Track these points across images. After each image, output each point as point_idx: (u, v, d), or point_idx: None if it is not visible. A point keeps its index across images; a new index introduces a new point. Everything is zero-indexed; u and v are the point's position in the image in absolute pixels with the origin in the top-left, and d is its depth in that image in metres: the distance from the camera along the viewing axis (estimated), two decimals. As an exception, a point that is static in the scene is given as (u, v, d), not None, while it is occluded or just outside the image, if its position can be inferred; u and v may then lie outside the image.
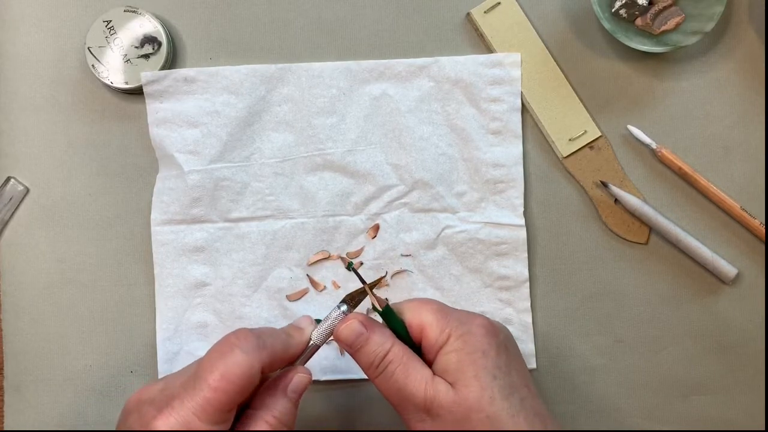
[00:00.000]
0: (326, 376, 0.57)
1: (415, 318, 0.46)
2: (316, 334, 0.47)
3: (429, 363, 0.46)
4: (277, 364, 0.45)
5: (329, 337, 0.47)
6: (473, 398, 0.43)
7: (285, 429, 0.44)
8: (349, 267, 0.57)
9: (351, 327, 0.46)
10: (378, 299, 0.47)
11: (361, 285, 0.48)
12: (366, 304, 0.56)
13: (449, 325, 0.45)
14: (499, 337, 0.46)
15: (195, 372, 0.43)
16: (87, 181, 0.58)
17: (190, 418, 0.41)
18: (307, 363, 0.48)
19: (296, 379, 0.46)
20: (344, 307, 0.47)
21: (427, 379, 0.44)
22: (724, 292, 0.58)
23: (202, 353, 0.56)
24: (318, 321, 0.48)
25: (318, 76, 0.57)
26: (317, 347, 0.48)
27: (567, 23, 0.59)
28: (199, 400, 0.41)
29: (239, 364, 0.42)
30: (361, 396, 0.57)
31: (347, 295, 0.48)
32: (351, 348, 0.46)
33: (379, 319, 0.48)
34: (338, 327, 0.46)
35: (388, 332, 0.46)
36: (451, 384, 0.44)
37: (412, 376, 0.44)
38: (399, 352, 0.45)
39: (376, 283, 0.48)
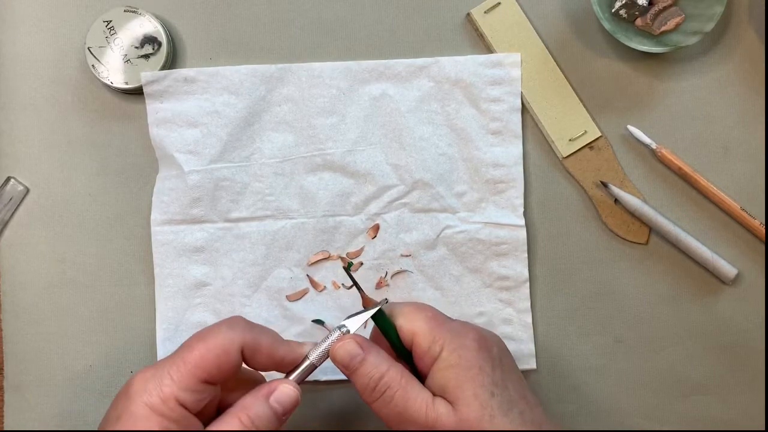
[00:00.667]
0: (326, 376, 0.57)
1: (407, 324, 0.46)
2: (313, 353, 0.46)
3: (422, 372, 0.46)
4: (261, 356, 0.45)
5: (326, 357, 0.47)
6: (474, 418, 0.43)
7: (256, 431, 0.44)
8: (348, 267, 0.57)
9: (346, 347, 0.45)
10: (369, 301, 0.46)
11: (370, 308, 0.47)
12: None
13: (442, 336, 0.45)
14: (493, 350, 0.46)
15: (182, 343, 0.45)
16: (87, 181, 0.58)
17: (164, 376, 0.43)
18: (312, 371, 0.47)
19: (281, 389, 0.45)
20: (345, 328, 0.46)
21: (427, 403, 0.44)
22: (724, 292, 0.58)
23: (201, 353, 0.56)
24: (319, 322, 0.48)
25: (318, 76, 0.57)
26: (314, 366, 0.47)
27: (567, 23, 0.59)
28: (176, 360, 0.43)
29: (221, 335, 0.44)
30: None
31: (349, 316, 0.47)
32: (347, 369, 0.45)
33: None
34: (334, 346, 0.46)
35: (384, 354, 0.46)
36: (450, 403, 0.44)
37: (412, 400, 0.44)
38: (396, 375, 0.45)
39: (381, 304, 0.47)
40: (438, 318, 0.46)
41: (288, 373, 0.47)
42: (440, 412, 0.44)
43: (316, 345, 0.47)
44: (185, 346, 0.44)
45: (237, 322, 0.45)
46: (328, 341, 0.46)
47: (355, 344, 0.45)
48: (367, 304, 0.46)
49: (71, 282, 0.57)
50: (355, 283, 0.47)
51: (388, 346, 0.47)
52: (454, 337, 0.45)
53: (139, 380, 0.43)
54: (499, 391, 0.44)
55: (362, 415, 0.57)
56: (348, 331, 0.46)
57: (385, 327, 0.46)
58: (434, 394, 0.45)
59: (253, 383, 0.47)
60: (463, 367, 0.44)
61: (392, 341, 0.46)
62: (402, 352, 0.47)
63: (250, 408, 0.44)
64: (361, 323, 0.47)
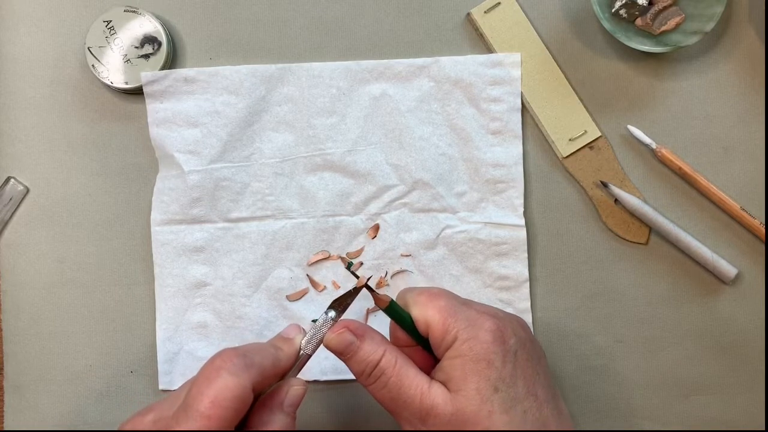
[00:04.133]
0: (326, 377, 0.57)
1: (420, 314, 0.45)
2: (305, 344, 0.46)
3: (438, 358, 0.46)
4: (268, 381, 0.44)
5: (320, 345, 0.47)
6: (471, 411, 0.43)
7: None
8: (349, 267, 0.57)
9: (340, 337, 0.45)
10: (380, 297, 0.46)
11: (372, 311, 0.47)
12: (368, 303, 0.56)
13: (456, 325, 0.44)
14: (508, 343, 0.45)
15: (185, 402, 0.41)
16: (87, 181, 0.58)
17: None
18: (307, 361, 0.47)
19: (291, 392, 0.45)
20: (332, 313, 0.46)
21: (422, 388, 0.44)
22: (724, 292, 0.58)
23: (202, 353, 0.56)
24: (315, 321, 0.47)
25: (318, 76, 0.57)
26: (308, 357, 0.47)
27: (567, 23, 0.59)
28: (192, 427, 0.40)
29: (229, 388, 0.41)
30: (361, 396, 0.57)
31: (334, 300, 0.47)
32: (342, 356, 0.45)
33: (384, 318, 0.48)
34: (327, 335, 0.45)
35: (379, 338, 0.46)
36: (452, 392, 0.43)
37: (406, 386, 0.44)
38: (391, 360, 0.44)
39: (377, 288, 0.47)
40: (452, 307, 0.45)
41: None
42: (436, 401, 0.43)
43: (306, 335, 0.47)
44: (193, 410, 0.40)
45: (233, 362, 0.42)
46: (319, 329, 0.46)
47: (348, 333, 0.45)
48: (378, 301, 0.46)
49: (71, 282, 0.57)
50: (354, 275, 0.47)
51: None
52: (468, 326, 0.44)
53: None
54: (505, 387, 0.43)
55: (363, 415, 0.57)
56: (335, 316, 0.46)
57: (398, 318, 0.46)
58: (439, 381, 0.44)
59: None
60: (472, 359, 0.43)
61: (409, 330, 0.46)
62: (419, 339, 0.46)
63: (272, 424, 0.43)
64: (347, 306, 0.47)
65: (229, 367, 0.41)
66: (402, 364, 0.45)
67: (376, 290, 0.47)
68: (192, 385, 0.42)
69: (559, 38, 0.59)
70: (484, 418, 0.43)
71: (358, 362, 0.45)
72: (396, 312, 0.46)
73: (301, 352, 0.46)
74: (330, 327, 0.46)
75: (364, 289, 0.47)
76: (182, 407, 0.41)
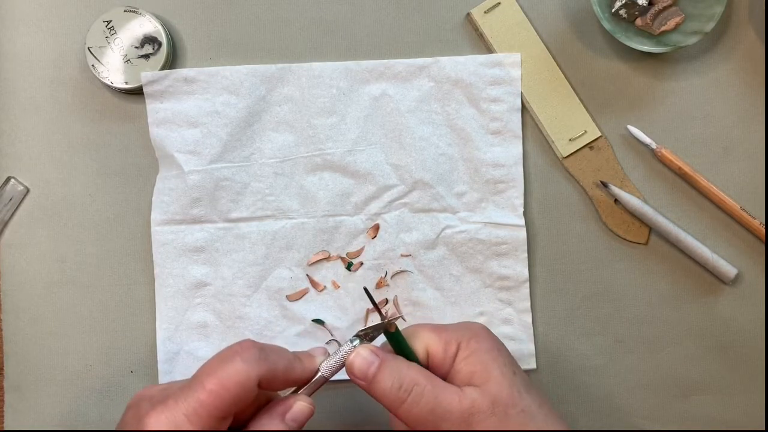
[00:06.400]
0: (326, 376, 0.57)
1: (417, 341, 0.46)
2: (324, 365, 0.46)
3: (444, 377, 0.45)
4: (278, 382, 0.45)
5: (339, 370, 0.46)
6: (506, 394, 0.43)
7: None
8: (349, 267, 0.57)
9: (362, 355, 0.45)
10: (389, 322, 0.45)
11: (372, 312, 0.46)
12: (368, 303, 0.56)
13: (453, 335, 0.46)
14: (498, 338, 0.47)
15: (195, 375, 0.43)
16: (87, 181, 0.58)
17: (180, 418, 0.41)
18: (323, 383, 0.47)
19: (296, 406, 0.45)
20: (357, 342, 0.46)
21: (458, 393, 0.43)
22: (724, 292, 0.58)
23: (202, 353, 0.56)
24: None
25: (318, 76, 0.57)
26: (325, 379, 0.46)
27: (567, 23, 0.59)
28: (192, 402, 0.41)
29: (237, 372, 0.42)
30: (361, 396, 0.57)
31: (361, 331, 0.46)
32: (365, 380, 0.45)
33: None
34: (348, 359, 0.45)
35: (401, 357, 0.45)
36: (479, 386, 0.44)
37: (442, 394, 0.43)
38: (420, 373, 0.44)
39: (395, 319, 0.46)
40: (440, 326, 0.47)
41: (299, 386, 0.46)
42: (474, 397, 0.43)
43: (327, 358, 0.46)
44: (199, 384, 0.42)
45: (250, 352, 0.43)
46: (340, 354, 0.46)
47: (369, 351, 0.45)
48: (389, 326, 0.45)
49: (71, 282, 0.57)
50: (374, 303, 0.46)
51: None
52: (464, 331, 0.46)
53: (153, 419, 0.41)
54: (518, 371, 0.46)
55: (363, 415, 0.57)
56: (358, 345, 0.46)
57: (403, 347, 0.46)
58: (461, 383, 0.45)
59: (264, 396, 0.46)
60: (485, 351, 0.45)
61: (411, 360, 0.46)
62: None
63: (266, 428, 0.44)
64: (372, 339, 0.46)
65: (244, 355, 0.43)
66: (431, 374, 0.44)
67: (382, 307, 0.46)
68: (206, 362, 0.44)
69: (559, 38, 0.59)
70: (517, 398, 0.44)
71: (383, 380, 0.44)
72: (400, 339, 0.46)
73: (319, 373, 0.46)
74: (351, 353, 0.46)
75: (357, 292, 0.46)
76: (191, 380, 0.43)
